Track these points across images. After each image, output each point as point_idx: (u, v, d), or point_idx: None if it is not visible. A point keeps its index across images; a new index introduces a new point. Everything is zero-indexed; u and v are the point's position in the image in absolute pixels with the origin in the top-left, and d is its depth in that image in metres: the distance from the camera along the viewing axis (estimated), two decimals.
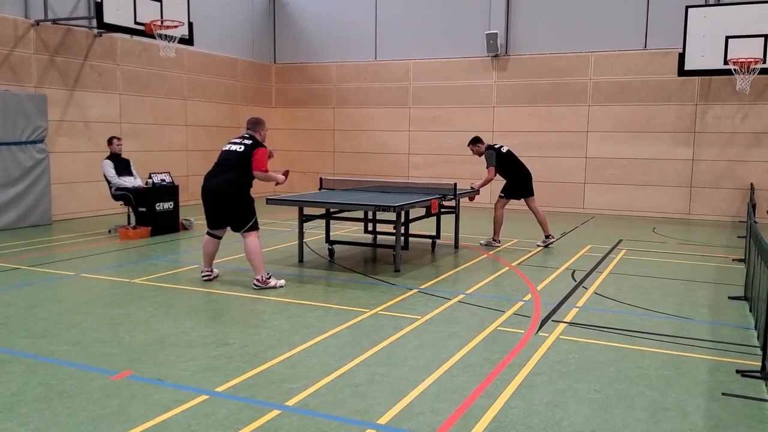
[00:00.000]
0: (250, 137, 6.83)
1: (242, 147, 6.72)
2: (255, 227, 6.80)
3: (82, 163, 12.25)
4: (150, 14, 11.44)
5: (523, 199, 9.84)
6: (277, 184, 7.02)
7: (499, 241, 9.82)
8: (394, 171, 16.11)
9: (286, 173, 7.06)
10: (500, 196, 9.88)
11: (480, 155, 9.79)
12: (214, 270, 7.21)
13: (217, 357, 4.67)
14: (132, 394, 3.98)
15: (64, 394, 3.96)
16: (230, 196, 6.72)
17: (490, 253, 9.11)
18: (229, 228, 7.00)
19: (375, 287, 6.92)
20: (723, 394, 4.11)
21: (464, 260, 8.57)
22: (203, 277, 7.11)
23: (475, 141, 9.81)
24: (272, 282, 6.75)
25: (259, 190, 16.89)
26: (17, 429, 3.50)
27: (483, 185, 9.78)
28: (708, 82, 13.37)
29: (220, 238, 7.08)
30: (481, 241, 9.86)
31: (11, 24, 11.08)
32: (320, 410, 3.77)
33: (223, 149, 6.88)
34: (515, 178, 9.80)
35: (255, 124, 6.93)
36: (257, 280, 6.71)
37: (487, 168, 9.62)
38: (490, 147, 9.76)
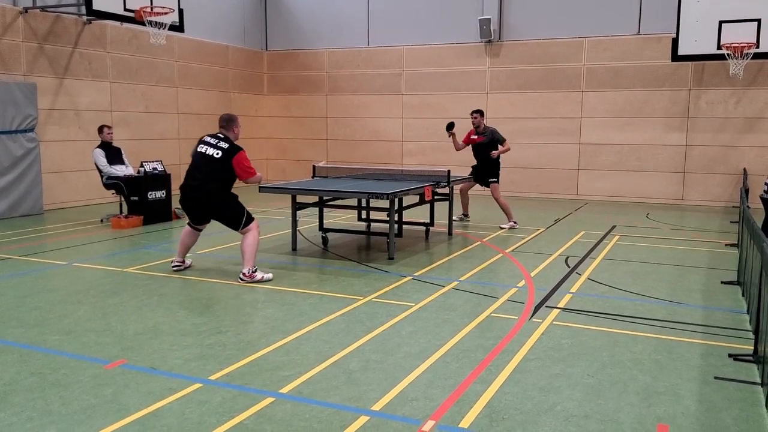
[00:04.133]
0: (225, 138, 6.61)
1: (219, 153, 6.48)
2: (251, 219, 6.68)
3: (73, 151, 12.17)
4: (139, 1, 11.32)
5: (475, 183, 10.45)
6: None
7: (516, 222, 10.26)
8: (387, 158, 16.08)
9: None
10: (494, 182, 10.16)
11: (480, 126, 10.17)
12: (187, 261, 7.08)
13: (211, 345, 4.66)
14: (125, 382, 3.97)
15: (57, 384, 3.94)
16: (219, 204, 6.59)
17: (485, 239, 9.12)
18: (210, 221, 6.92)
19: (369, 275, 6.92)
20: (715, 377, 4.13)
21: (458, 247, 8.57)
22: (174, 267, 6.96)
23: (482, 113, 10.31)
24: (258, 275, 6.54)
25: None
26: (10, 418, 3.49)
27: (503, 152, 10.19)
28: (701, 67, 13.37)
29: (200, 230, 7.01)
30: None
31: None
32: (314, 397, 3.77)
33: (199, 150, 6.59)
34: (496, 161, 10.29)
35: (228, 121, 6.70)
36: (243, 273, 6.50)
37: (503, 142, 10.13)
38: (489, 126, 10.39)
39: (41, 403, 3.67)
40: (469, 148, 10.45)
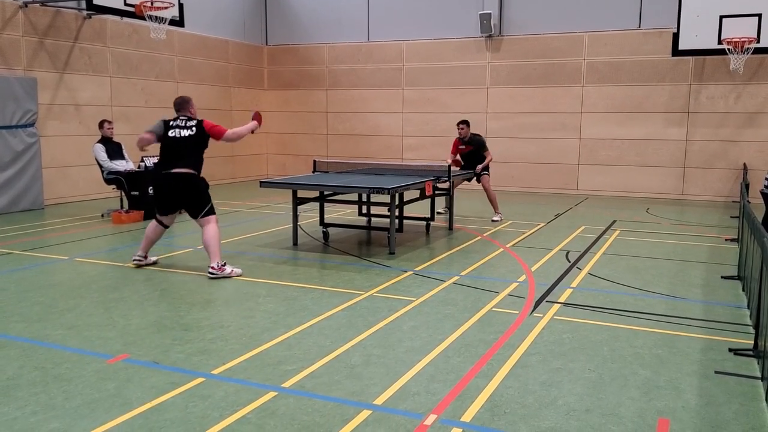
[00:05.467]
0: (189, 118, 6.75)
1: (193, 130, 6.64)
2: (213, 211, 6.70)
3: (73, 146, 12.16)
4: None
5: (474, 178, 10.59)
6: (252, 132, 6.97)
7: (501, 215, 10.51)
8: (387, 153, 16.07)
9: (256, 116, 7.02)
10: (485, 174, 10.40)
11: (466, 137, 10.40)
12: (150, 257, 7.01)
13: (213, 340, 4.67)
14: (128, 377, 3.98)
15: (60, 378, 3.96)
16: (194, 183, 6.62)
17: (485, 234, 9.13)
18: (186, 216, 6.93)
19: (370, 269, 6.93)
20: (716, 372, 4.15)
21: (458, 242, 8.58)
22: (134, 261, 6.92)
23: (468, 123, 10.48)
24: (227, 269, 6.49)
25: (253, 174, 16.70)
26: (14, 413, 3.50)
27: (485, 166, 10.41)
28: (702, 61, 13.36)
29: (167, 227, 6.96)
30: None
31: None
32: (316, 392, 3.79)
33: (171, 136, 6.61)
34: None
35: (184, 103, 6.81)
36: (213, 267, 6.45)
37: (486, 152, 10.42)
38: (475, 134, 10.62)
39: (45, 398, 3.69)
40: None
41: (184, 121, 6.71)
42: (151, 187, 10.24)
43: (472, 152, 10.44)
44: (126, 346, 4.55)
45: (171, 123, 6.73)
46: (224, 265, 6.55)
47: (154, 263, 7.04)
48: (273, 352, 4.43)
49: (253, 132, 7.00)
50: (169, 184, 6.65)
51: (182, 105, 6.82)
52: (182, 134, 6.62)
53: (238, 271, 6.59)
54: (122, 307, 5.49)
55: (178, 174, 6.59)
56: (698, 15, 12.00)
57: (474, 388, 3.85)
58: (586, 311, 5.47)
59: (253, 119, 7.02)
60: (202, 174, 6.76)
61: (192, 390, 3.79)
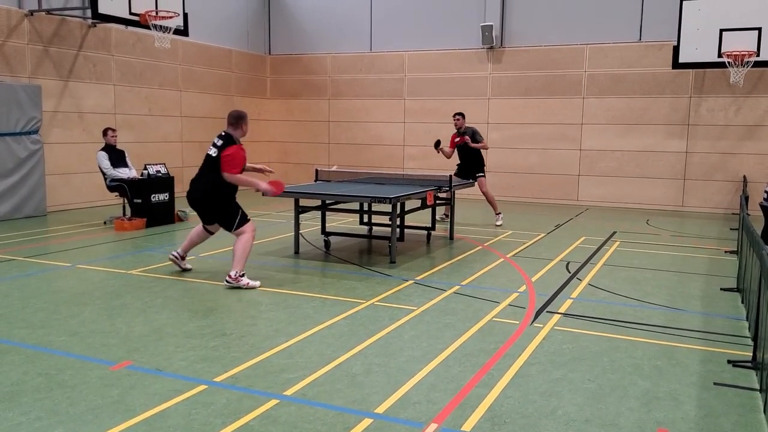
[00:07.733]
0: (225, 136, 6.54)
1: (216, 151, 6.50)
2: (244, 221, 6.60)
3: (76, 154, 12.23)
4: (145, 5, 11.39)
5: (471, 179, 10.81)
6: (258, 191, 6.64)
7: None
8: (389, 162, 16.13)
9: (276, 184, 6.61)
10: (481, 176, 10.78)
11: (461, 128, 10.80)
12: (186, 263, 7.07)
13: (215, 347, 4.70)
14: (131, 384, 4.02)
15: (63, 384, 3.99)
16: (209, 200, 6.59)
17: (486, 244, 9.16)
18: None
19: (371, 278, 6.97)
20: (714, 383, 4.17)
21: (459, 251, 8.62)
22: (170, 257, 7.04)
23: (464, 115, 10.93)
24: (243, 281, 6.41)
25: None
26: (18, 418, 3.53)
27: (480, 147, 10.84)
28: (702, 74, 13.43)
29: (212, 233, 7.01)
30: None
31: (5, 14, 11.02)
32: (318, 400, 3.82)
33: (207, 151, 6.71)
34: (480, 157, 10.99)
35: (238, 118, 6.58)
36: (229, 276, 6.41)
37: (482, 141, 10.83)
38: (469, 126, 11.00)
39: (49, 404, 3.72)
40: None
41: (218, 140, 6.57)
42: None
43: (466, 144, 10.71)
44: (129, 353, 4.58)
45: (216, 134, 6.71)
46: (242, 275, 6.45)
47: (189, 270, 7.10)
48: (275, 360, 4.46)
49: (261, 192, 6.63)
50: (189, 194, 6.72)
51: (234, 120, 6.59)
52: (209, 151, 6.59)
53: (255, 283, 6.48)
54: (125, 314, 5.52)
55: (192, 186, 6.68)
56: (698, 28, 12.07)
57: (474, 398, 3.88)
58: (586, 322, 5.50)
59: (270, 183, 6.64)
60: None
61: (195, 397, 3.83)
